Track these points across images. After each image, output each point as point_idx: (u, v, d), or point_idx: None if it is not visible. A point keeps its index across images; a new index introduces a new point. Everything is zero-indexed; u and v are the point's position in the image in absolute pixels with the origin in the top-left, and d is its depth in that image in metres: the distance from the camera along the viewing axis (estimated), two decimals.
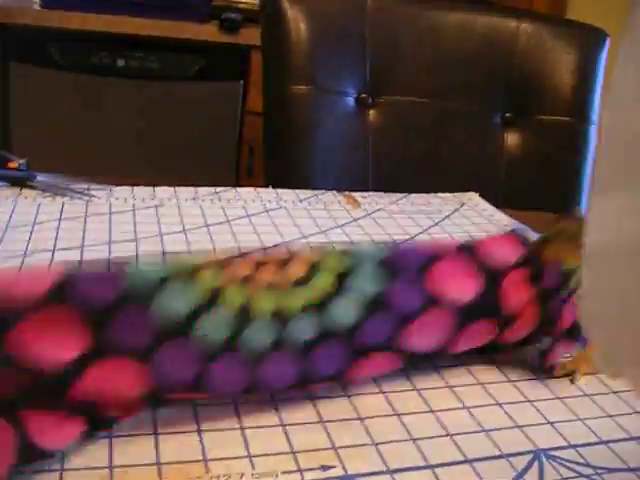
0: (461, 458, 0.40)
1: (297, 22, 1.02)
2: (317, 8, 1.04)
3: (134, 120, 1.96)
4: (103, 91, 1.92)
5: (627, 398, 0.48)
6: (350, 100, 1.06)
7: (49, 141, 1.87)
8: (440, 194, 0.89)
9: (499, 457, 0.40)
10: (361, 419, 0.42)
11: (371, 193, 0.86)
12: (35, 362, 0.33)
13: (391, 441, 0.40)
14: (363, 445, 0.40)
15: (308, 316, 0.39)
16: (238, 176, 2.04)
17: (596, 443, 0.43)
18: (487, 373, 0.49)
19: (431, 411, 0.44)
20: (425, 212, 0.83)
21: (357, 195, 0.84)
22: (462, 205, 0.87)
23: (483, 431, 0.43)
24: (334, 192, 0.84)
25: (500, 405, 0.46)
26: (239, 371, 0.38)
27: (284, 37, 1.02)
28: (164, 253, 0.60)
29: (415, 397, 0.45)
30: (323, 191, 0.83)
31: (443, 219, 0.82)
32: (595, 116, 1.14)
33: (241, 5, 1.99)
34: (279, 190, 0.82)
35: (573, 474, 0.39)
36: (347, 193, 0.84)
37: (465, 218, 0.83)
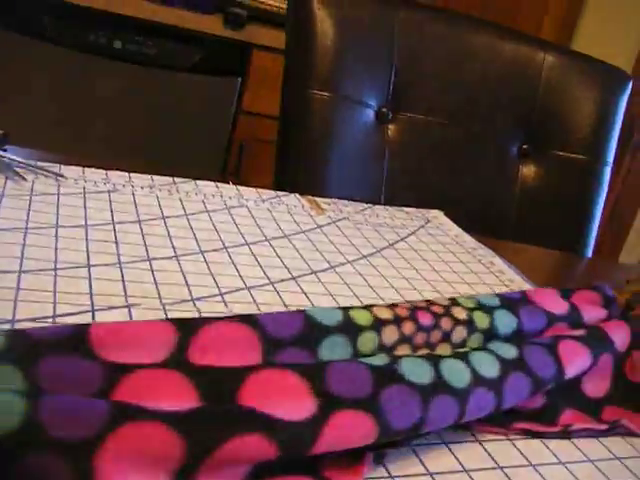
0: None
1: (325, 25, 0.99)
2: (347, 13, 1.02)
3: (123, 105, 1.93)
4: (95, 71, 1.89)
5: None
6: (370, 112, 1.04)
7: (33, 115, 1.84)
8: (405, 209, 0.87)
9: None
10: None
11: (335, 200, 0.83)
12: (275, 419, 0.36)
13: None
14: None
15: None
16: (223, 174, 2.01)
17: None
18: None
19: None
20: (390, 225, 0.80)
21: (321, 201, 0.81)
22: (427, 222, 0.84)
23: None
24: (297, 195, 0.81)
25: None
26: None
27: (310, 39, 1.01)
28: (116, 243, 0.57)
29: None
30: (286, 193, 0.80)
31: (409, 235, 0.79)
32: (611, 157, 1.12)
33: (248, 1, 1.96)
34: (241, 187, 0.79)
35: None
36: (311, 198, 0.82)
37: (431, 236, 0.80)
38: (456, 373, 0.43)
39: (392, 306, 0.48)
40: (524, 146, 1.10)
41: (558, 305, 0.56)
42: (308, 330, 0.43)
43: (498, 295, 0.55)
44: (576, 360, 0.49)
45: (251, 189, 0.79)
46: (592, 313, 0.57)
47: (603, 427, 0.49)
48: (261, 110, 1.97)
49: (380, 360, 0.41)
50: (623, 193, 1.92)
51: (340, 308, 0.46)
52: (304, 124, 0.99)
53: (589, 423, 0.49)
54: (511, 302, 0.54)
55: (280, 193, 0.81)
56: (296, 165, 0.99)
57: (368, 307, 0.47)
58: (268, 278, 0.58)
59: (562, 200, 1.07)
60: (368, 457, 0.39)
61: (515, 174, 1.10)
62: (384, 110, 1.03)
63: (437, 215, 0.88)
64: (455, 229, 0.85)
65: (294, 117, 1.01)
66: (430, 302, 0.51)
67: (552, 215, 1.07)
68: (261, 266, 0.60)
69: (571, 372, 0.49)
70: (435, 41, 1.05)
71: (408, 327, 0.47)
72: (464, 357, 0.44)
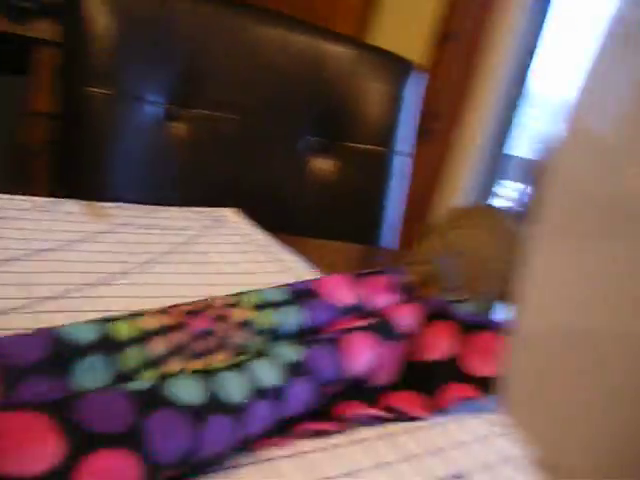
0: None
1: (102, 17, 0.91)
2: (126, 4, 0.94)
3: None
4: None
5: None
6: (155, 110, 0.97)
7: None
8: (195, 208, 0.83)
9: None
10: None
11: (119, 204, 0.77)
12: None
13: None
14: None
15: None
16: (13, 179, 1.87)
17: None
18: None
19: None
20: (179, 228, 0.76)
21: (101, 205, 0.75)
22: (219, 222, 0.81)
23: None
24: (74, 200, 0.74)
25: None
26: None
27: (85, 33, 0.93)
28: None
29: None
30: (63, 199, 0.74)
31: (198, 236, 0.75)
32: (405, 147, 1.12)
33: None
34: (8, 195, 0.71)
35: None
36: (91, 203, 0.75)
37: (221, 236, 0.77)
38: (232, 387, 0.39)
39: (161, 313, 0.44)
40: (317, 139, 1.09)
41: (346, 295, 0.54)
42: (57, 353, 0.37)
43: (286, 286, 0.52)
44: (362, 354, 0.47)
45: (22, 197, 0.72)
46: (382, 299, 0.55)
47: (386, 416, 0.47)
48: (40, 109, 1.84)
49: (143, 384, 0.36)
50: (416, 183, 1.99)
51: (97, 321, 0.40)
52: (83, 124, 0.92)
53: (367, 410, 0.46)
54: (299, 294, 0.51)
55: (56, 200, 0.74)
56: (76, 168, 0.92)
57: (132, 317, 0.42)
58: (27, 299, 0.52)
59: (357, 192, 1.07)
60: None
61: (309, 168, 1.08)
62: (171, 107, 0.98)
63: (229, 214, 0.85)
64: (248, 227, 0.82)
65: (72, 116, 0.93)
66: (208, 304, 0.47)
67: (348, 208, 1.07)
68: (24, 285, 0.53)
69: (358, 368, 0.46)
70: (222, 33, 1.01)
71: (178, 336, 0.43)
72: (241, 368, 0.40)
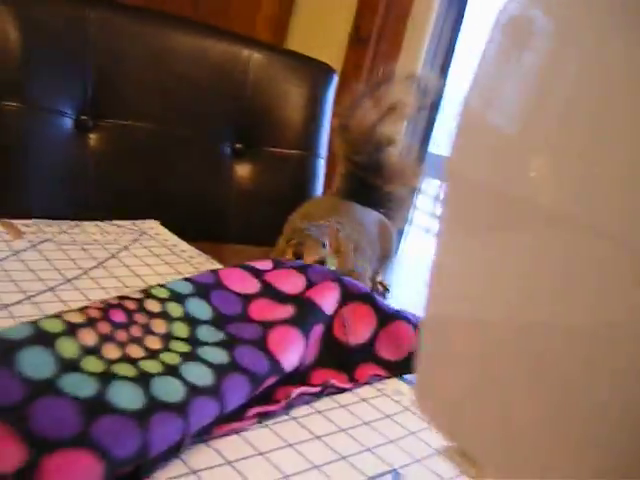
0: None
1: (8, 27, 0.87)
2: (30, 13, 0.90)
3: None
4: None
5: None
6: (68, 121, 0.94)
7: None
8: (118, 222, 0.81)
9: None
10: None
11: (37, 220, 0.75)
12: None
13: None
14: None
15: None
16: None
17: None
18: None
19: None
20: (100, 242, 0.74)
21: (19, 223, 0.73)
22: (142, 234, 0.80)
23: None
24: None
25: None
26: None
27: None
28: None
29: None
30: None
31: (121, 250, 0.73)
32: (323, 150, 1.13)
33: None
34: None
35: None
36: (6, 221, 0.73)
37: (145, 248, 0.76)
38: (169, 389, 0.41)
39: (83, 309, 0.45)
40: (237, 145, 1.08)
41: (249, 284, 0.56)
42: None
43: (189, 280, 0.54)
44: (289, 348, 0.50)
45: None
46: (289, 284, 0.58)
47: (314, 390, 0.51)
48: None
49: (88, 389, 0.38)
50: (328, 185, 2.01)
51: (28, 322, 0.41)
52: None
53: (299, 388, 0.50)
54: (203, 287, 0.53)
55: None
56: None
57: (57, 315, 0.43)
58: None
59: (279, 196, 1.07)
60: None
61: (230, 174, 1.08)
62: (84, 118, 0.96)
63: (153, 225, 0.84)
64: (172, 238, 0.81)
65: None
66: (122, 297, 0.49)
67: (269, 212, 1.07)
68: None
69: (288, 362, 0.50)
70: (134, 42, 0.99)
71: (103, 327, 0.44)
72: (174, 371, 0.43)
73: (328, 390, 0.53)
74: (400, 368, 0.58)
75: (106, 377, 0.39)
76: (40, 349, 0.39)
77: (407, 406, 0.55)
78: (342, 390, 0.54)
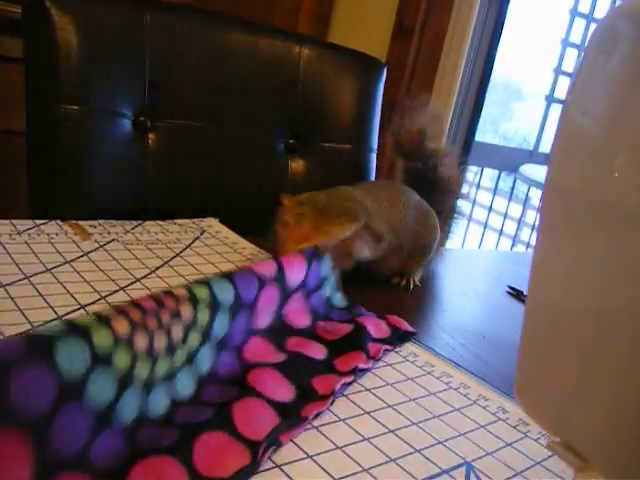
0: None
1: (67, 33, 0.90)
2: (90, 20, 0.93)
3: None
4: None
5: None
6: (127, 123, 0.96)
7: None
8: (178, 221, 0.83)
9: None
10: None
11: (102, 221, 0.77)
12: None
13: None
14: None
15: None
16: None
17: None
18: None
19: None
20: (164, 242, 0.76)
21: (86, 224, 0.76)
22: (202, 233, 0.81)
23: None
24: (58, 221, 0.74)
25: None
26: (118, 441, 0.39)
27: (52, 50, 0.91)
28: None
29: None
30: (45, 221, 0.74)
31: (184, 249, 0.75)
32: (374, 144, 1.14)
33: None
34: None
35: None
36: (74, 222, 0.75)
37: (207, 247, 0.78)
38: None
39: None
40: (290, 141, 1.10)
41: (268, 266, 0.58)
42: (32, 344, 0.36)
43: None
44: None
45: (4, 221, 0.72)
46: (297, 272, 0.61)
47: (349, 379, 0.54)
48: (13, 127, 1.81)
49: (106, 397, 0.39)
50: (389, 177, 2.01)
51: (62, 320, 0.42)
52: (54, 142, 0.91)
53: (339, 381, 0.52)
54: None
55: (39, 222, 0.74)
56: (52, 188, 0.91)
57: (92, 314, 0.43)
58: (30, 323, 0.52)
59: None
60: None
61: (284, 170, 1.09)
62: (142, 119, 0.98)
63: (212, 223, 0.86)
64: (232, 236, 0.83)
65: (43, 134, 0.92)
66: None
67: None
68: (20, 310, 0.54)
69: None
70: (189, 42, 1.01)
71: (135, 313, 0.44)
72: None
73: (358, 375, 0.55)
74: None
75: (124, 381, 0.40)
76: (76, 339, 0.38)
77: (475, 400, 0.56)
78: (366, 370, 0.57)
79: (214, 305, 0.50)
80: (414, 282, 0.83)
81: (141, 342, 0.42)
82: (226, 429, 0.42)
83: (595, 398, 0.28)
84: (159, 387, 0.44)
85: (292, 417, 0.46)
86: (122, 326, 0.41)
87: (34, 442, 0.33)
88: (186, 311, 0.47)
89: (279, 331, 0.58)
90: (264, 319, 0.57)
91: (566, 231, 0.30)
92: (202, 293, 0.49)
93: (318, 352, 0.56)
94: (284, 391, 0.49)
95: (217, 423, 0.43)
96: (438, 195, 0.91)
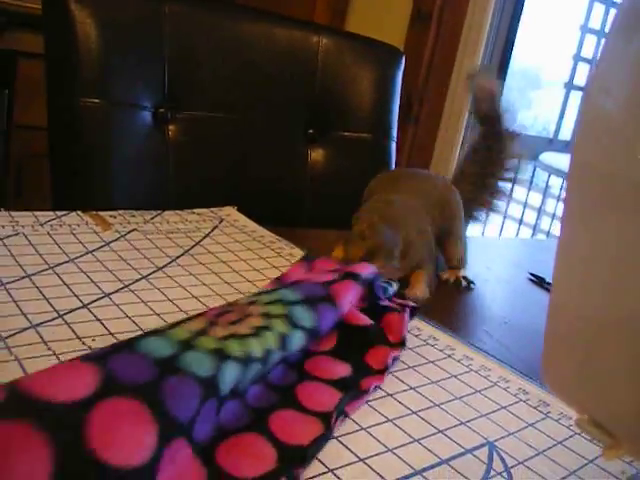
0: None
1: (86, 27, 0.91)
2: (109, 13, 0.94)
3: None
4: None
5: None
6: (147, 115, 0.97)
7: None
8: (196, 210, 0.84)
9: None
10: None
11: (122, 212, 0.78)
12: None
13: None
14: None
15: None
16: (4, 196, 1.86)
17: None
18: None
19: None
20: (183, 231, 0.77)
21: (106, 214, 0.76)
22: (221, 221, 0.82)
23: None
24: (79, 212, 0.75)
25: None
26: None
27: (72, 44, 0.92)
28: None
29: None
30: (66, 212, 0.74)
31: (204, 238, 0.76)
32: (394, 132, 1.14)
33: (7, 6, 1.81)
34: (14, 213, 0.72)
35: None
36: (94, 213, 0.76)
37: (226, 235, 0.78)
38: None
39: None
40: (310, 131, 1.10)
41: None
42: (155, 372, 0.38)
43: (300, 290, 0.54)
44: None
45: (26, 213, 0.72)
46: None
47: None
48: (35, 122, 1.83)
49: (205, 369, 0.39)
50: (410, 166, 2.01)
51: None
52: (75, 134, 0.92)
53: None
54: (311, 298, 0.53)
55: (60, 213, 0.74)
56: (73, 179, 0.92)
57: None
58: (56, 311, 0.53)
59: (352, 179, 1.08)
60: None
61: (304, 160, 1.10)
62: (162, 111, 0.98)
63: (230, 212, 0.86)
64: (251, 224, 0.83)
65: (64, 128, 0.93)
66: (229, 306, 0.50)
67: (343, 195, 1.08)
68: (46, 298, 0.54)
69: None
70: (207, 34, 1.02)
71: (208, 315, 0.47)
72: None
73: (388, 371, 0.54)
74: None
75: (222, 355, 0.41)
76: (154, 337, 0.41)
77: (495, 381, 0.56)
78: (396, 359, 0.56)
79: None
80: (465, 280, 0.83)
81: (219, 333, 0.44)
82: (295, 407, 0.45)
83: (626, 377, 0.28)
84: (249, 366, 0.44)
85: (353, 389, 0.48)
86: (196, 324, 0.44)
87: (147, 404, 0.35)
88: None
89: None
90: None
91: (591, 210, 0.30)
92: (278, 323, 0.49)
93: (365, 320, 0.56)
94: (341, 369, 0.50)
95: (285, 403, 0.45)
96: (495, 178, 0.95)
